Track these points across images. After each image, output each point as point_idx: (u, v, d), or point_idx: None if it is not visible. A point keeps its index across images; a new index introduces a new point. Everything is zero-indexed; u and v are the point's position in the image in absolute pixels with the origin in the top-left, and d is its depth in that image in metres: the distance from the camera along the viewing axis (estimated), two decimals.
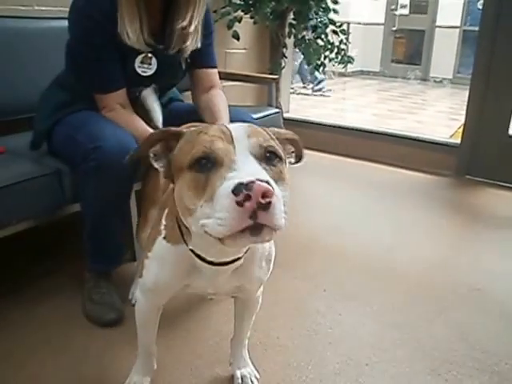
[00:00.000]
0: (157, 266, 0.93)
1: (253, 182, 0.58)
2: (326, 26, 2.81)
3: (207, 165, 0.65)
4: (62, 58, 1.49)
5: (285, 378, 1.23)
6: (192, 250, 0.83)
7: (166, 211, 0.90)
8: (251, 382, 1.20)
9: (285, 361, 1.29)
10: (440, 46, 9.63)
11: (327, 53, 2.91)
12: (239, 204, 0.58)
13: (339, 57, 2.89)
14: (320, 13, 2.73)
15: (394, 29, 10.22)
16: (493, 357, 1.34)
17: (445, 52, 9.54)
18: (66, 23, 1.85)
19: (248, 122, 0.82)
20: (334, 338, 1.40)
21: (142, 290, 1.02)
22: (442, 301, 1.62)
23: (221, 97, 1.51)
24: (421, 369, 1.29)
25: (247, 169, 0.62)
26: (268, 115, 2.27)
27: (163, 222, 0.90)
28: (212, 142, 0.66)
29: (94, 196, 1.33)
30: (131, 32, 1.31)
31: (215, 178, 0.63)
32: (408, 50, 10.56)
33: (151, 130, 1.32)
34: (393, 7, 9.78)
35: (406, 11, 9.90)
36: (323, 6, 2.68)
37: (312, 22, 2.81)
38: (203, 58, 1.52)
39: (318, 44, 2.85)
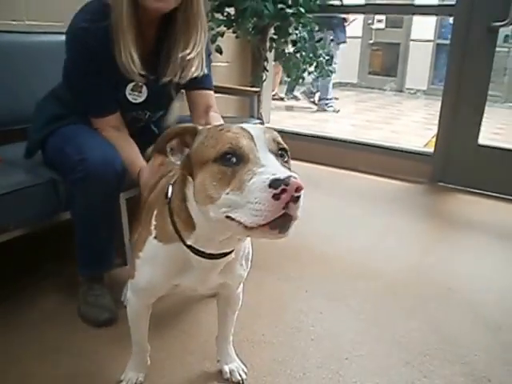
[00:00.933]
0: (148, 267, 0.99)
1: (289, 177, 0.66)
2: (306, 41, 2.93)
3: (232, 159, 0.72)
4: (54, 70, 1.53)
5: (271, 372, 1.31)
6: (190, 246, 0.89)
7: (156, 212, 0.96)
8: (239, 375, 1.27)
9: (270, 356, 1.37)
10: (415, 58, 9.93)
11: (307, 66, 3.03)
12: (276, 197, 0.65)
13: (318, 70, 3.01)
14: (300, 28, 2.86)
15: (371, 42, 10.50)
16: (463, 349, 1.45)
17: (419, 64, 9.84)
18: (56, 37, 1.96)
19: None
20: (316, 335, 1.48)
21: (134, 290, 1.08)
22: (417, 299, 1.72)
23: (219, 120, 1.55)
24: (397, 361, 1.38)
25: (273, 165, 0.70)
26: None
27: (153, 222, 0.96)
28: (237, 138, 0.73)
29: (82, 205, 1.40)
30: (125, 62, 1.34)
31: (243, 171, 0.70)
32: (384, 62, 10.86)
33: (141, 159, 1.37)
34: (369, 21, 10.06)
35: (382, 25, 10.19)
36: (302, 21, 2.80)
37: (292, 37, 2.93)
38: (201, 80, 1.53)
39: (297, 58, 2.97)
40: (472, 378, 1.33)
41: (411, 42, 9.84)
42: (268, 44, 3.09)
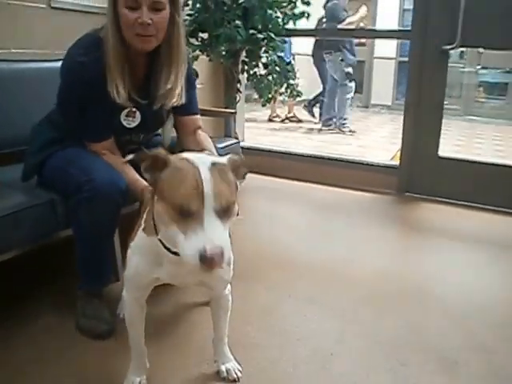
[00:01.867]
0: (136, 256, 1.14)
1: (212, 256, 0.85)
2: (276, 64, 3.11)
3: (184, 212, 0.89)
4: (41, 96, 1.67)
5: (263, 370, 1.43)
6: (160, 240, 1.03)
7: (148, 209, 1.10)
8: (235, 373, 1.39)
9: (261, 356, 1.49)
10: (379, 75, 10.30)
11: (277, 87, 3.20)
12: (202, 263, 0.86)
13: (289, 91, 3.19)
14: (270, 51, 3.03)
15: None
16: (434, 339, 1.61)
17: (383, 81, 10.21)
18: (40, 65, 2.08)
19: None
20: (302, 335, 1.61)
21: (126, 285, 1.21)
22: (391, 299, 1.88)
23: (206, 138, 1.68)
24: (377, 353, 1.53)
25: (211, 231, 0.88)
26: (229, 145, 2.58)
27: (144, 216, 1.11)
28: (189, 199, 0.88)
29: (86, 224, 1.47)
30: (121, 92, 1.45)
31: (189, 225, 0.88)
32: None
33: (137, 176, 1.48)
34: None
35: None
36: (272, 45, 2.98)
37: (263, 60, 3.10)
38: (188, 106, 1.65)
39: (269, 80, 3.14)
40: (443, 363, 1.49)
41: (375, 60, 10.22)
42: (240, 66, 3.26)
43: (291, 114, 7.19)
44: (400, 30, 4.24)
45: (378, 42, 10.04)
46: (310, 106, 7.03)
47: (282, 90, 3.20)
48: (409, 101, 3.14)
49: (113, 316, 1.62)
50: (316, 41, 6.23)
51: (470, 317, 1.77)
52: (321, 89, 6.63)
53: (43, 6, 2.35)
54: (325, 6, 5.73)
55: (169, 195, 0.91)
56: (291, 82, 3.18)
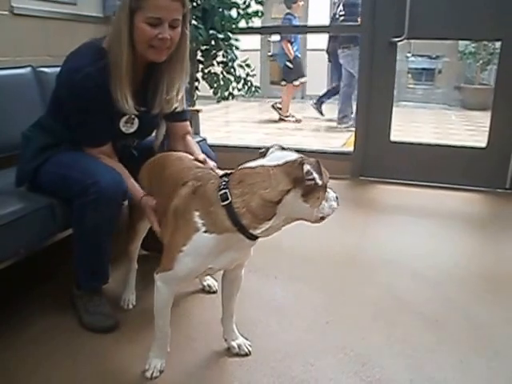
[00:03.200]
0: (193, 259, 1.21)
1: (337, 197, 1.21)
2: (234, 61, 3.23)
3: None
4: (26, 103, 1.68)
5: (260, 343, 1.56)
6: (248, 233, 1.15)
7: (198, 213, 1.18)
8: (246, 348, 1.51)
9: (263, 331, 1.63)
10: (312, 67, 10.63)
11: (234, 84, 3.31)
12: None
13: (246, 87, 3.31)
14: (228, 50, 3.14)
15: (270, 54, 11.03)
16: (414, 301, 1.83)
17: (317, 72, 10.54)
18: (19, 71, 2.09)
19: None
20: (296, 310, 1.78)
21: (168, 281, 1.29)
22: (366, 270, 2.10)
23: (194, 143, 1.79)
24: (364, 317, 1.72)
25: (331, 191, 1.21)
26: (198, 142, 2.65)
27: (198, 220, 1.18)
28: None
29: (90, 226, 1.52)
30: (129, 101, 1.52)
31: (327, 192, 1.19)
32: (284, 71, 11.42)
33: (135, 182, 1.59)
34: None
35: (278, 37, 10.74)
36: (231, 44, 3.10)
37: (220, 59, 3.21)
38: (181, 113, 1.74)
39: (226, 77, 3.25)
40: (426, 321, 1.71)
41: (308, 52, 10.53)
42: (196, 66, 3.33)
43: (287, 114, 7.04)
44: (351, 25, 4.48)
45: (309, 34, 10.36)
46: (318, 103, 6.88)
47: (240, 86, 3.31)
48: (361, 91, 3.37)
49: (113, 310, 1.69)
50: (331, 36, 6.17)
51: (443, 280, 2.01)
52: (330, 86, 6.66)
53: (5, 12, 2.33)
54: (343, 3, 5.58)
55: (325, 182, 1.15)
56: (249, 78, 3.29)
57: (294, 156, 1.15)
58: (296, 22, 6.35)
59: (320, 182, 1.10)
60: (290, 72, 6.77)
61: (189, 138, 1.79)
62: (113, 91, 1.51)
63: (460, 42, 9.60)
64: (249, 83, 3.28)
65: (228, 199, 1.13)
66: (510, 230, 2.62)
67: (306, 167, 1.09)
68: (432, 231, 2.58)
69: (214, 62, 3.29)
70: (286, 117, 6.98)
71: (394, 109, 3.36)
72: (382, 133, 3.37)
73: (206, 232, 1.18)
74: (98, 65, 1.50)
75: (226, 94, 3.33)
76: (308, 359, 1.48)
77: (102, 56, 1.51)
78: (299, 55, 6.99)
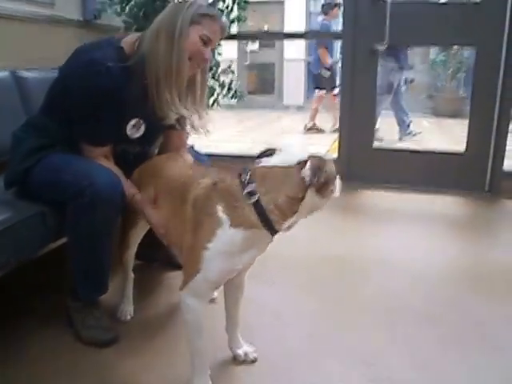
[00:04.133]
0: (224, 254, 1.17)
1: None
2: (218, 67, 3.23)
3: None
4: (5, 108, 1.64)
5: (264, 349, 1.53)
6: (273, 229, 1.15)
7: (221, 207, 1.16)
8: (252, 355, 1.47)
9: (259, 336, 1.61)
10: (290, 76, 10.74)
11: (219, 90, 3.30)
12: None
13: (231, 93, 3.31)
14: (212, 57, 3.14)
15: (247, 63, 11.09)
16: (411, 302, 1.84)
17: (294, 82, 10.66)
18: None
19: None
20: (291, 314, 1.77)
21: (198, 291, 1.21)
22: (361, 271, 2.12)
23: (188, 155, 1.73)
24: (361, 318, 1.73)
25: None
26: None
27: (221, 214, 1.15)
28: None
29: (86, 230, 1.46)
30: (176, 100, 1.52)
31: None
32: (261, 81, 11.53)
33: (129, 182, 1.55)
34: (243, 43, 10.64)
35: (255, 47, 10.84)
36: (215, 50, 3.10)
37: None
38: (181, 121, 1.69)
39: (210, 84, 3.23)
40: (422, 316, 1.74)
41: (285, 62, 10.64)
42: None
43: (311, 124, 6.80)
44: (331, 32, 4.56)
45: (286, 43, 10.49)
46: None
47: (224, 92, 3.30)
48: (344, 98, 3.41)
49: (112, 323, 1.64)
50: None
51: (434, 278, 2.05)
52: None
53: None
54: None
55: (334, 175, 1.18)
56: (233, 84, 3.29)
57: (305, 156, 1.15)
58: (334, 28, 5.99)
59: (311, 181, 1.10)
60: (325, 80, 6.42)
61: (183, 149, 1.75)
62: (159, 99, 1.51)
63: (431, 50, 9.89)
64: (233, 89, 3.27)
65: (255, 195, 1.13)
66: (495, 231, 2.70)
67: (307, 172, 1.11)
68: (420, 233, 2.61)
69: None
70: (312, 126, 6.76)
71: None
72: (365, 139, 3.42)
73: (231, 226, 1.16)
74: (119, 63, 1.47)
75: (211, 101, 3.31)
76: (314, 363, 1.47)
77: (122, 56, 1.50)
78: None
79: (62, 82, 1.60)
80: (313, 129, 6.80)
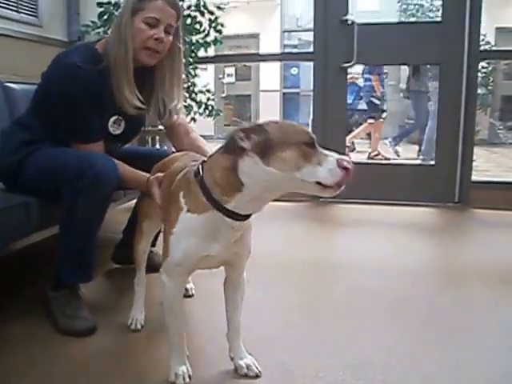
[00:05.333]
0: (183, 238, 1.16)
1: (348, 161, 1.04)
2: (195, 86, 3.33)
3: (309, 145, 1.04)
4: None
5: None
6: (226, 210, 1.10)
7: (182, 193, 1.17)
8: (256, 368, 1.33)
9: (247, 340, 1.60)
10: (266, 107, 10.97)
11: (196, 108, 3.40)
12: (341, 168, 1.03)
13: (207, 111, 3.41)
14: (189, 76, 3.25)
15: (224, 95, 11.32)
16: (385, 297, 1.90)
17: (270, 112, 10.88)
18: None
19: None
20: (273, 308, 1.81)
21: (170, 269, 1.22)
22: (335, 273, 2.18)
23: (200, 139, 1.78)
24: (344, 317, 1.78)
25: (333, 154, 1.06)
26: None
27: (181, 200, 1.16)
28: (309, 133, 1.06)
29: (83, 213, 1.50)
30: (128, 96, 1.58)
31: (319, 154, 1.05)
32: (238, 113, 11.74)
33: (135, 169, 1.61)
34: (220, 76, 10.90)
35: (232, 79, 11.10)
36: (192, 69, 3.22)
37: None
38: (176, 110, 1.76)
39: (188, 103, 3.33)
40: (397, 309, 1.80)
41: (261, 93, 10.90)
42: None
43: (375, 152, 6.45)
44: (304, 52, 4.77)
45: (262, 76, 10.78)
46: (394, 141, 6.54)
47: (201, 110, 3.39)
48: (316, 112, 3.56)
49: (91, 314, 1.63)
50: (413, 73, 5.93)
51: (405, 276, 2.12)
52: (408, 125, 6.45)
53: None
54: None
55: (289, 139, 1.04)
56: (210, 102, 3.39)
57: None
58: None
59: (243, 144, 1.05)
60: (376, 108, 6.47)
61: (193, 135, 1.80)
62: (117, 90, 1.57)
63: (401, 81, 10.25)
64: (210, 107, 3.38)
65: (199, 173, 1.14)
66: (462, 236, 2.81)
67: (231, 132, 1.08)
68: (392, 238, 2.71)
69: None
70: (376, 155, 6.40)
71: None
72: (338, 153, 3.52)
73: (188, 211, 1.16)
74: (92, 64, 1.56)
75: (188, 118, 3.40)
76: (288, 348, 1.50)
77: (97, 58, 1.58)
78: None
79: (44, 86, 1.68)
80: (377, 157, 6.44)
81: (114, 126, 1.69)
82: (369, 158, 6.41)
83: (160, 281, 1.26)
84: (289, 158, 1.03)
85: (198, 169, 1.16)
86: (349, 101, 7.63)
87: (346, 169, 1.04)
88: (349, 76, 7.14)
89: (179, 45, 1.70)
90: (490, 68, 9.62)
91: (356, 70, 7.32)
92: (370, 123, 6.56)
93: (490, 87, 9.96)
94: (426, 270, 2.21)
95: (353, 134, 6.75)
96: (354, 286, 2.00)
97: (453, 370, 1.37)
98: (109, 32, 3.10)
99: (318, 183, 1.04)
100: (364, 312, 1.76)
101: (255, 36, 10.84)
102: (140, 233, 1.63)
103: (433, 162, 3.51)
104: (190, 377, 1.29)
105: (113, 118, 1.67)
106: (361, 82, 7.03)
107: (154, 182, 1.50)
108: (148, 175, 1.56)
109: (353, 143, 6.89)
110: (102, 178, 1.49)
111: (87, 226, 1.56)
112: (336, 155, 1.06)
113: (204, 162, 1.18)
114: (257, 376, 1.32)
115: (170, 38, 1.64)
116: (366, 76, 6.62)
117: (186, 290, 1.83)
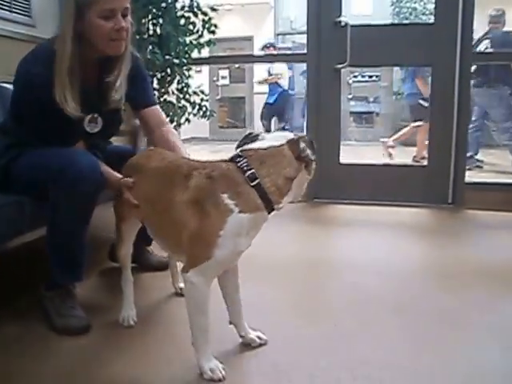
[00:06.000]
0: (234, 238, 1.22)
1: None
2: (189, 87, 3.33)
3: None
4: None
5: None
6: (273, 209, 1.25)
7: (226, 195, 1.20)
8: (263, 335, 1.49)
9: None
10: (260, 109, 10.97)
11: (190, 109, 3.39)
12: None
13: (201, 112, 3.40)
14: (183, 77, 3.25)
15: (218, 98, 11.32)
16: (380, 296, 1.91)
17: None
18: None
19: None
20: (260, 305, 1.80)
21: (207, 272, 1.25)
22: (331, 272, 2.18)
23: (172, 132, 1.78)
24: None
25: None
26: None
27: (229, 202, 1.20)
28: None
29: (68, 211, 1.51)
30: (69, 102, 1.51)
31: None
32: (233, 115, 11.75)
33: (106, 166, 1.60)
34: (215, 78, 10.90)
35: (226, 81, 11.11)
36: (186, 70, 3.22)
37: (176, 86, 3.30)
38: (145, 98, 1.79)
39: (182, 104, 3.33)
40: (390, 308, 1.80)
41: (255, 95, 10.90)
42: None
43: (421, 155, 6.00)
44: (298, 54, 4.80)
45: (256, 78, 10.79)
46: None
47: (195, 111, 3.39)
48: (310, 114, 3.56)
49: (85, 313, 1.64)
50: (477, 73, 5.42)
51: (400, 275, 2.14)
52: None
53: None
54: (487, 33, 5.29)
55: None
56: (203, 103, 3.39)
57: (291, 135, 1.27)
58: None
59: (313, 158, 1.25)
60: (424, 111, 5.98)
61: (165, 129, 1.78)
62: (55, 92, 1.50)
63: (394, 83, 10.31)
64: (204, 108, 3.37)
65: (256, 179, 1.21)
66: (455, 237, 2.81)
67: (302, 144, 1.24)
68: (386, 239, 2.72)
69: (169, 90, 3.37)
70: (422, 158, 5.93)
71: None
72: (332, 155, 3.54)
73: (240, 212, 1.21)
74: (48, 65, 1.51)
75: (183, 120, 3.40)
76: (281, 345, 1.50)
77: (51, 57, 1.52)
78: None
79: (12, 95, 1.67)
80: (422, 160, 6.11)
81: (91, 125, 1.66)
82: (413, 160, 6.16)
83: (189, 282, 1.27)
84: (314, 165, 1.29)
85: (254, 173, 1.22)
86: (270, 101, 7.88)
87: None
88: (270, 76, 7.54)
89: (131, 20, 1.61)
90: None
91: (277, 71, 7.56)
92: (417, 126, 6.32)
93: None
94: (420, 269, 2.22)
95: (397, 135, 6.63)
96: (348, 285, 2.01)
97: (449, 368, 1.38)
98: None
99: None
100: (359, 311, 1.76)
101: (249, 39, 10.84)
102: (119, 237, 1.65)
103: (425, 163, 3.51)
104: (223, 369, 1.31)
105: (88, 117, 1.64)
106: (284, 83, 7.38)
107: (126, 183, 1.51)
108: (119, 176, 1.57)
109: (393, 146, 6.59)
110: (83, 175, 1.48)
111: (72, 225, 1.55)
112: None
113: (246, 162, 1.23)
114: (266, 342, 1.49)
115: (129, 18, 1.57)
116: (409, 80, 6.48)
117: (182, 288, 1.83)
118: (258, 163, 1.23)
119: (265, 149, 1.25)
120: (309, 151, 1.24)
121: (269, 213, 1.26)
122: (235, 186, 1.22)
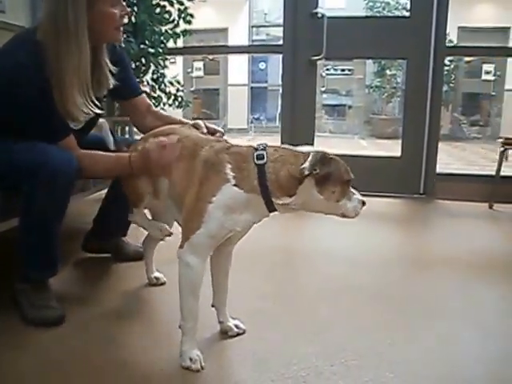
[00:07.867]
0: (222, 210, 1.21)
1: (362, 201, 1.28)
2: (164, 77, 3.29)
3: (349, 184, 1.26)
4: None
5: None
6: (270, 201, 1.22)
7: (230, 166, 1.23)
8: (242, 325, 1.49)
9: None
10: (234, 101, 10.97)
11: (165, 100, 3.35)
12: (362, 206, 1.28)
13: (177, 102, 3.37)
14: (159, 67, 3.21)
15: (192, 89, 11.24)
16: (357, 283, 1.94)
17: (238, 106, 10.90)
18: None
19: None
20: (243, 293, 1.79)
21: (199, 247, 1.25)
22: (306, 261, 2.20)
23: (164, 115, 1.79)
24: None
25: (356, 193, 1.29)
26: None
27: (229, 172, 1.22)
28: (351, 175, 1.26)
29: (41, 209, 1.46)
30: (81, 107, 1.49)
31: (350, 191, 1.27)
32: (206, 106, 11.69)
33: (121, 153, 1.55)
34: (189, 70, 10.81)
35: (201, 73, 11.04)
36: (161, 59, 3.18)
37: (151, 76, 3.25)
38: (133, 87, 1.79)
39: (157, 94, 3.29)
40: (370, 296, 1.83)
41: (229, 87, 10.89)
42: None
43: None
44: (274, 45, 4.78)
45: (230, 70, 10.77)
46: None
47: (170, 101, 3.35)
48: (285, 105, 3.57)
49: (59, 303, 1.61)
50: None
51: (369, 261, 2.19)
52: None
53: None
54: None
55: (340, 178, 1.23)
56: (179, 93, 3.36)
57: (316, 149, 1.25)
58: None
59: (306, 171, 1.18)
60: None
61: (155, 109, 1.80)
62: (59, 101, 1.46)
63: (367, 77, 10.45)
64: (179, 98, 3.34)
65: (264, 159, 1.22)
66: (427, 226, 2.91)
67: (310, 157, 1.19)
68: (360, 228, 2.73)
69: (144, 80, 3.32)
70: None
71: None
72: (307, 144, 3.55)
73: (235, 186, 1.22)
74: (34, 59, 1.44)
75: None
76: (258, 333, 1.51)
77: (38, 51, 1.44)
78: None
79: None
80: None
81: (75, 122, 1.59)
82: None
83: (182, 262, 1.27)
84: (336, 193, 1.24)
85: (263, 154, 1.23)
86: None
87: (363, 204, 1.29)
88: None
89: None
90: (452, 66, 9.90)
91: None
92: None
93: (451, 84, 10.26)
94: (394, 257, 2.26)
95: None
96: (325, 274, 2.03)
97: (425, 355, 1.40)
98: None
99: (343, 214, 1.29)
100: (336, 299, 1.78)
101: (223, 30, 10.80)
102: (138, 189, 1.55)
103: (398, 154, 3.57)
104: (202, 360, 1.30)
105: None
106: None
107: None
108: (126, 154, 1.53)
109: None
110: (58, 174, 1.43)
111: (46, 222, 1.51)
112: (358, 195, 1.29)
113: (264, 145, 1.26)
114: (244, 332, 1.48)
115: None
116: None
117: (157, 278, 1.86)
118: (273, 150, 1.25)
119: (288, 148, 1.27)
120: (307, 164, 1.18)
121: (267, 205, 1.23)
122: (241, 160, 1.25)
